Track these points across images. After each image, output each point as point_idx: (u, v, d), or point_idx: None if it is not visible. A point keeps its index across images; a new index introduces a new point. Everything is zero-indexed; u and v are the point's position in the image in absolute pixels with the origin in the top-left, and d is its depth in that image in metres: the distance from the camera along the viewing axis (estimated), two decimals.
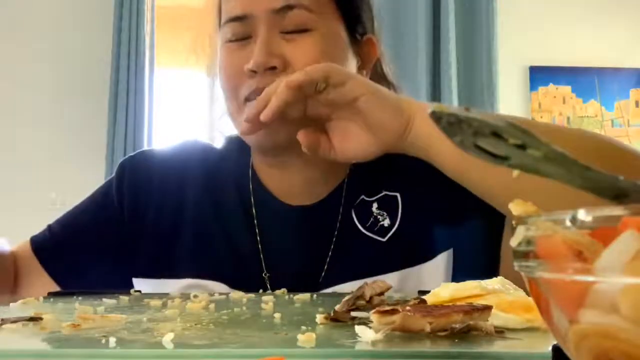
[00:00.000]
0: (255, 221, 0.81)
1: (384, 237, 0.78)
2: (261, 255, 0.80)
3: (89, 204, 0.86)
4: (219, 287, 0.78)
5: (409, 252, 0.78)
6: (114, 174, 0.86)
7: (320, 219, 0.81)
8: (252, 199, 0.82)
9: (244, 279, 0.77)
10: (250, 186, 0.83)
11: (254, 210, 0.82)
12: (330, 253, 0.79)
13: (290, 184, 0.82)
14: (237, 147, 0.85)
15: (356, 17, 0.81)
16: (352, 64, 0.79)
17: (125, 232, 0.83)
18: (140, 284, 0.81)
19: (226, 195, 0.83)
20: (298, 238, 0.81)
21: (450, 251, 0.79)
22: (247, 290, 0.68)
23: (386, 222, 0.79)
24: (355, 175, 0.82)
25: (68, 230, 0.84)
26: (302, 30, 0.74)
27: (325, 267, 0.79)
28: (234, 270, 0.79)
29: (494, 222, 0.74)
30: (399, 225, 0.79)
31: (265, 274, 0.79)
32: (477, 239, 0.77)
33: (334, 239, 0.80)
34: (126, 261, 0.82)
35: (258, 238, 0.81)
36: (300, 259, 0.80)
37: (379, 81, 0.84)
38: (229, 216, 0.82)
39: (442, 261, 0.77)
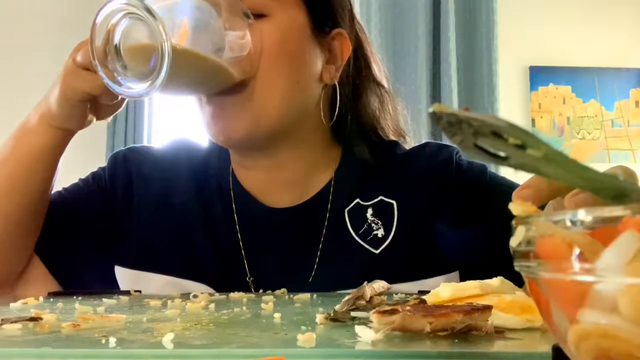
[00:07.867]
0: (237, 223, 0.79)
1: (376, 248, 0.76)
2: (244, 259, 0.78)
3: (80, 184, 0.84)
4: (200, 288, 0.76)
5: (401, 268, 0.75)
6: (105, 165, 0.85)
7: (305, 221, 0.78)
8: (233, 201, 0.80)
9: (228, 282, 0.75)
10: (231, 187, 0.81)
11: (235, 212, 0.80)
12: (317, 259, 0.77)
13: (266, 185, 0.80)
14: (219, 146, 0.79)
15: (324, 8, 0.77)
16: (314, 57, 0.75)
17: (114, 216, 0.81)
18: (122, 275, 0.80)
19: (210, 195, 0.81)
20: (281, 241, 0.78)
21: (454, 275, 0.76)
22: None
23: (380, 233, 0.76)
24: (344, 177, 0.80)
25: (55, 206, 0.80)
26: (259, 16, 0.71)
27: (313, 273, 0.77)
28: (217, 272, 0.78)
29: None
30: (393, 237, 0.76)
31: (249, 278, 0.77)
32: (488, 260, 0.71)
33: (320, 245, 0.77)
34: (111, 244, 0.81)
35: (240, 241, 0.79)
36: (285, 264, 0.77)
37: (361, 82, 0.82)
38: (213, 217, 0.80)
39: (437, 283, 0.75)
